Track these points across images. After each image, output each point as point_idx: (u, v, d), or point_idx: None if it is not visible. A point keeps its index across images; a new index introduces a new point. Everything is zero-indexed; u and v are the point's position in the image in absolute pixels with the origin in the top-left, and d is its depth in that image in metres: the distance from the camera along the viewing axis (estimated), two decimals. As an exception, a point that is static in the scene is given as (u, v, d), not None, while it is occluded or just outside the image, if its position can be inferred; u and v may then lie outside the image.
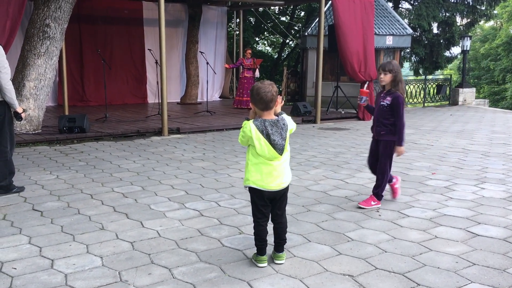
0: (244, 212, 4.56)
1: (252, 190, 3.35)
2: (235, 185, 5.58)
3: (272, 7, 20.53)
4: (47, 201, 4.91)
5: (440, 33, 19.85)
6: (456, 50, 21.36)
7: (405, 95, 4.63)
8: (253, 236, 3.42)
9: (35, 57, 8.39)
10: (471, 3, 19.44)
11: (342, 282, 3.14)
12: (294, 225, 4.17)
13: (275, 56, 25.83)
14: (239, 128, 3.53)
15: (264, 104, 3.23)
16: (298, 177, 5.89)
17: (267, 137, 3.22)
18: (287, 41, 24.54)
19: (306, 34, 14.96)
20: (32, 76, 8.40)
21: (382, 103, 4.55)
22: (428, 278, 3.20)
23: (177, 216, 4.46)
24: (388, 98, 4.50)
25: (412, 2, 20.98)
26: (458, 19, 20.33)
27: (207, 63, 11.96)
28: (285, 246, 3.49)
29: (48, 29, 8.38)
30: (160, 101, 9.58)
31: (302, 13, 23.91)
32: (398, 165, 6.63)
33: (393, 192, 4.95)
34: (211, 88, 15.00)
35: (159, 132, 9.25)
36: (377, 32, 14.21)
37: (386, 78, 4.49)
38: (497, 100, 30.10)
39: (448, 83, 17.06)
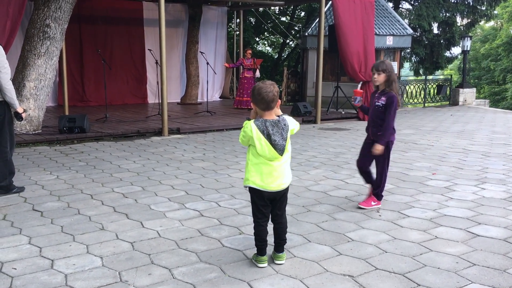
0: (244, 212, 4.56)
1: (252, 190, 3.35)
2: (235, 185, 5.58)
3: (272, 7, 20.53)
4: (47, 201, 4.91)
5: (441, 33, 19.85)
6: (456, 50, 21.37)
7: (399, 95, 4.58)
8: (253, 237, 3.41)
9: (35, 57, 8.39)
10: (471, 3, 19.44)
11: (342, 283, 3.14)
12: (294, 225, 4.17)
13: (275, 56, 25.83)
14: (239, 129, 3.53)
15: (266, 104, 3.23)
16: (298, 177, 5.89)
17: (268, 137, 3.21)
18: (287, 41, 24.55)
19: (306, 34, 14.96)
20: (32, 76, 8.40)
21: (377, 103, 4.51)
22: (428, 279, 3.19)
23: (177, 216, 4.46)
24: (383, 98, 4.46)
25: (412, 2, 20.98)
26: (458, 19, 20.34)
27: (207, 63, 11.96)
28: (285, 247, 3.49)
29: (48, 29, 8.38)
30: (160, 101, 9.58)
31: (302, 13, 23.91)
32: (398, 166, 6.63)
33: (367, 201, 4.72)
34: (211, 88, 15.00)
35: (159, 132, 9.25)
36: (377, 32, 14.21)
37: (380, 78, 4.46)
38: (497, 101, 30.09)
39: (448, 83, 17.06)
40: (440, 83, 16.97)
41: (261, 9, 18.82)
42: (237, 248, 3.69)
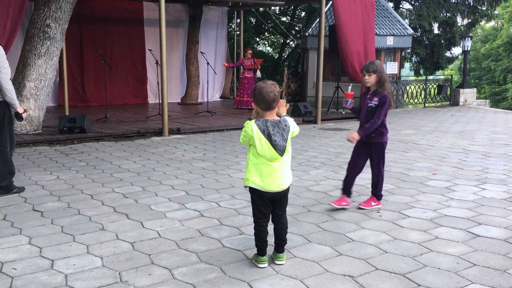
0: (245, 212, 4.56)
1: (252, 190, 3.35)
2: (236, 185, 5.57)
3: (272, 8, 20.53)
4: (47, 201, 4.91)
5: (441, 33, 19.84)
6: (457, 51, 21.37)
7: (391, 95, 4.55)
8: (253, 237, 3.41)
9: (35, 57, 8.39)
10: (472, 3, 19.43)
11: (342, 283, 3.14)
12: (294, 225, 4.17)
13: (276, 57, 25.82)
14: (240, 129, 3.53)
15: (267, 104, 3.23)
16: (298, 178, 5.89)
17: (268, 137, 3.21)
18: (288, 41, 24.55)
19: (307, 34, 14.96)
20: (32, 76, 8.41)
21: (369, 104, 4.47)
22: (428, 279, 3.19)
23: (178, 216, 4.46)
24: (375, 99, 4.43)
25: (412, 2, 20.98)
26: (459, 19, 20.33)
27: (208, 63, 11.96)
28: (285, 247, 3.49)
29: (48, 30, 8.38)
30: (160, 102, 9.58)
31: (303, 14, 23.91)
32: (398, 166, 6.63)
33: (339, 201, 4.64)
34: (211, 88, 15.00)
35: (160, 133, 9.25)
36: (377, 33, 14.20)
37: (371, 79, 4.42)
38: (498, 101, 30.08)
39: (449, 83, 17.04)
40: (441, 83, 16.96)
41: (261, 9, 18.82)
42: (237, 249, 3.69)
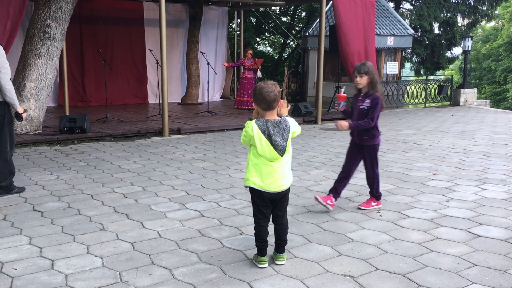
0: (245, 212, 4.55)
1: (253, 191, 3.34)
2: (236, 185, 5.57)
3: (273, 8, 20.53)
4: (47, 201, 4.91)
5: (441, 33, 19.83)
6: (457, 51, 21.36)
7: (383, 96, 4.52)
8: (254, 237, 3.41)
9: (35, 57, 8.39)
10: (472, 3, 19.43)
11: (343, 283, 3.13)
12: (294, 225, 4.16)
13: (276, 57, 25.82)
14: (240, 129, 3.53)
15: (267, 104, 3.23)
16: (299, 178, 5.89)
17: (269, 137, 3.21)
18: (288, 41, 24.54)
19: (307, 34, 14.96)
20: (32, 76, 8.41)
21: (361, 106, 4.44)
22: (429, 279, 3.19)
23: (178, 216, 4.46)
24: (367, 101, 4.40)
25: (413, 2, 20.97)
26: (459, 19, 20.33)
27: (208, 63, 11.96)
28: (285, 247, 3.49)
29: (48, 30, 8.39)
30: (160, 102, 9.58)
31: (303, 14, 23.91)
32: (399, 166, 6.62)
33: (325, 198, 4.56)
34: (212, 88, 15.00)
35: (160, 133, 9.25)
36: (378, 33, 14.20)
37: (362, 80, 4.39)
38: (498, 101, 30.07)
39: (449, 83, 17.04)
40: (441, 83, 16.95)
41: (261, 9, 18.81)
42: (238, 249, 3.69)
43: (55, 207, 4.72)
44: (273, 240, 3.46)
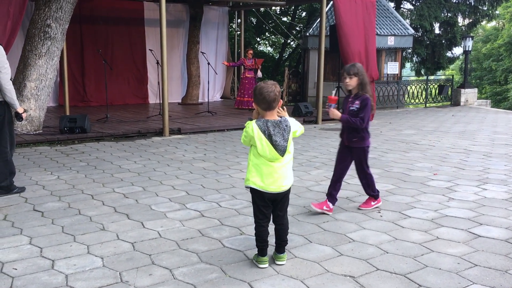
0: (245, 212, 4.55)
1: (253, 191, 3.34)
2: (236, 185, 5.57)
3: (273, 8, 20.53)
4: (48, 201, 4.91)
5: (442, 33, 19.82)
6: (458, 51, 21.35)
7: (371, 97, 4.47)
8: (254, 237, 3.41)
9: (36, 57, 8.39)
10: (473, 3, 19.42)
11: (343, 283, 3.13)
12: (295, 225, 4.16)
13: (277, 57, 25.83)
14: (240, 129, 3.53)
15: (267, 104, 3.23)
16: (299, 178, 5.88)
17: (269, 137, 3.21)
18: (289, 41, 24.54)
19: (308, 34, 14.95)
20: (33, 76, 8.41)
21: (351, 108, 4.40)
22: (429, 279, 3.18)
23: (178, 216, 4.46)
24: (357, 102, 4.37)
25: (413, 2, 20.97)
26: (460, 19, 20.32)
27: (208, 63, 11.95)
28: (286, 247, 3.48)
29: (49, 30, 8.39)
30: (161, 102, 9.58)
31: (304, 14, 23.91)
32: (399, 166, 6.62)
33: (321, 204, 4.52)
34: (212, 88, 15.00)
35: (160, 133, 9.25)
36: (378, 33, 14.19)
37: (352, 82, 4.36)
38: (499, 101, 30.06)
39: (450, 83, 17.03)
40: (442, 83, 16.95)
41: (262, 9, 18.81)
42: (238, 249, 3.69)
43: (55, 207, 4.72)
44: (274, 240, 3.45)
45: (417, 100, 16.36)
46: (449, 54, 20.82)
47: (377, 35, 12.97)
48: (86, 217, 4.42)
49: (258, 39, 24.20)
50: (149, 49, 12.07)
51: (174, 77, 14.59)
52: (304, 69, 16.15)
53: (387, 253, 3.62)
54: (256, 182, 3.28)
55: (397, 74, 15.71)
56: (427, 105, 16.38)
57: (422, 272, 3.29)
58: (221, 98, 15.88)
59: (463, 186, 5.56)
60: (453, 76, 18.58)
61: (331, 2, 11.95)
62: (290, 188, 3.40)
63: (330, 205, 4.55)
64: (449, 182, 5.77)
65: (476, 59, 33.05)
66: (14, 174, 5.19)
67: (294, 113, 11.49)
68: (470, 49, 16.55)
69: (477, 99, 17.35)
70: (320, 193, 5.26)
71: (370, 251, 3.66)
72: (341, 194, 5.20)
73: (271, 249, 3.49)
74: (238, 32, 16.30)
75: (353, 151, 4.52)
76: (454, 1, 19.49)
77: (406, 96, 15.93)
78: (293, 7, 22.50)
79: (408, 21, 18.64)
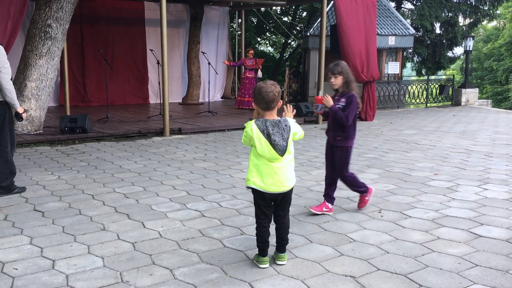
0: (246, 212, 4.55)
1: (254, 191, 3.34)
2: (237, 185, 5.57)
3: (274, 7, 20.52)
4: (48, 201, 4.91)
5: (443, 33, 19.80)
6: (458, 50, 21.33)
7: (358, 95, 4.42)
8: (255, 237, 3.40)
9: (36, 57, 8.39)
10: (474, 3, 19.39)
11: (344, 283, 3.13)
12: (295, 225, 4.16)
13: (277, 57, 25.82)
14: (241, 129, 3.53)
15: (265, 104, 3.23)
16: (300, 178, 5.88)
17: (268, 137, 3.20)
18: (289, 41, 24.53)
19: (308, 34, 14.94)
20: (33, 76, 8.41)
21: (337, 105, 4.36)
22: (430, 279, 3.18)
23: (179, 216, 4.45)
24: (343, 100, 4.34)
25: (414, 2, 20.95)
26: (460, 19, 20.29)
27: (209, 63, 11.95)
28: (286, 247, 3.48)
29: (49, 29, 8.39)
30: (161, 102, 9.57)
31: (304, 13, 23.89)
32: (400, 166, 6.61)
33: (320, 207, 4.53)
34: (212, 88, 15.00)
35: (161, 133, 9.25)
36: (379, 32, 14.18)
37: (337, 81, 4.34)
38: (500, 100, 30.03)
39: (450, 83, 17.02)
40: (443, 83, 16.93)
41: (262, 9, 18.80)
42: (239, 249, 3.68)
43: (56, 207, 4.72)
44: (274, 240, 3.45)
45: (418, 100, 16.35)
46: (450, 54, 20.79)
47: (377, 35, 12.96)
48: (86, 217, 4.41)
49: (258, 39, 24.20)
50: (150, 49, 12.07)
51: (175, 77, 14.59)
52: (304, 69, 16.14)
53: (388, 253, 3.62)
54: (256, 182, 3.28)
55: (398, 74, 15.70)
56: (428, 105, 16.37)
57: (423, 272, 3.29)
58: (221, 98, 15.87)
59: (464, 186, 5.55)
60: (454, 76, 18.56)
61: (332, 2, 11.94)
62: (292, 189, 3.40)
63: (329, 205, 4.53)
64: (450, 182, 5.76)
65: (477, 59, 33.02)
66: (14, 174, 5.19)
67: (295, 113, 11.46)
68: (471, 49, 16.53)
69: (478, 99, 17.33)
70: (321, 193, 5.24)
71: (371, 251, 3.65)
72: (341, 194, 5.21)
73: (271, 250, 3.48)
74: (239, 32, 16.30)
75: (335, 149, 4.45)
76: (455, 1, 19.47)
77: (407, 96, 15.92)
78: (293, 7, 22.50)
79: (408, 21, 18.62)
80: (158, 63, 10.67)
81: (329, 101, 4.34)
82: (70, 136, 8.48)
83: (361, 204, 4.66)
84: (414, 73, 22.77)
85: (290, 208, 3.52)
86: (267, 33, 24.94)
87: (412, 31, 15.50)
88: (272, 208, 3.38)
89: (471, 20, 20.17)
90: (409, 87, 16.13)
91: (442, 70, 22.58)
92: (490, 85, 31.98)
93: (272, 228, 3.44)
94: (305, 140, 8.80)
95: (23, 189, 5.24)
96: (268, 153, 3.22)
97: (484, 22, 25.84)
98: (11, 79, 4.97)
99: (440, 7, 18.72)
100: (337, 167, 4.49)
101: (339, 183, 4.61)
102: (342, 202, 4.92)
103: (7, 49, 6.58)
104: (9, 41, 7.64)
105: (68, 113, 9.68)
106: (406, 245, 3.77)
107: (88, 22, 13.24)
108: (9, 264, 3.40)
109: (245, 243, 3.80)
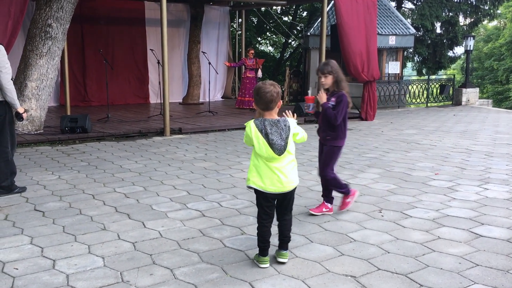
0: (246, 212, 4.55)
1: (256, 191, 3.34)
2: (237, 185, 5.56)
3: (274, 7, 20.52)
4: (49, 201, 4.91)
5: (443, 33, 19.80)
6: (459, 50, 21.34)
7: (349, 94, 4.38)
8: (255, 237, 3.40)
9: (37, 57, 8.39)
10: (474, 2, 19.39)
11: (344, 283, 3.12)
12: (296, 225, 4.15)
13: (278, 56, 25.82)
14: (241, 129, 3.54)
15: (264, 104, 3.23)
16: (300, 178, 5.82)
17: (266, 136, 3.20)
18: (290, 41, 24.53)
19: (309, 34, 14.94)
20: (34, 76, 8.41)
21: (327, 105, 4.34)
22: (431, 279, 3.18)
23: (179, 216, 4.45)
24: (333, 99, 4.31)
25: (415, 1, 20.94)
26: (461, 18, 20.30)
27: (209, 63, 11.95)
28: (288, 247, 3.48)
29: (50, 29, 8.39)
30: (162, 101, 9.57)
31: (305, 13, 23.89)
32: (401, 166, 6.61)
33: (319, 208, 4.50)
34: (213, 88, 15.00)
35: (161, 132, 9.25)
36: (380, 32, 14.18)
37: (327, 80, 4.31)
38: (500, 100, 30.01)
39: (451, 83, 17.01)
40: (443, 83, 16.93)
41: (263, 9, 18.81)
42: (239, 249, 3.68)
43: (56, 207, 4.72)
44: (275, 240, 3.45)
45: (418, 100, 16.34)
46: (450, 53, 20.80)
47: (378, 34, 12.96)
48: (87, 217, 4.41)
49: (259, 38, 24.20)
50: (150, 49, 12.07)
51: (175, 77, 14.59)
52: (305, 68, 16.14)
53: (388, 253, 3.62)
54: (256, 182, 3.28)
55: (398, 73, 15.70)
56: (429, 104, 16.36)
57: (424, 272, 3.29)
58: (222, 98, 15.87)
59: (464, 186, 5.55)
60: (454, 75, 18.55)
61: (332, 1, 11.95)
62: (294, 190, 3.39)
63: (329, 205, 4.52)
64: (450, 182, 5.76)
65: (478, 59, 32.99)
66: (15, 174, 5.19)
67: (295, 113, 11.44)
68: (471, 48, 16.53)
69: (479, 98, 17.32)
70: (321, 192, 5.24)
71: (371, 251, 3.65)
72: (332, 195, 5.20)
73: (272, 250, 3.48)
74: (239, 32, 16.30)
75: (324, 149, 4.42)
76: (455, 0, 19.47)
77: (408, 95, 15.91)
78: (294, 7, 22.49)
79: (409, 20, 18.62)
80: (158, 63, 10.68)
81: (322, 97, 4.31)
82: (71, 136, 8.49)
83: (342, 206, 4.54)
84: (414, 72, 22.77)
85: (291, 208, 3.52)
86: (268, 33, 24.95)
87: (413, 30, 15.50)
88: (274, 208, 3.38)
89: (472, 19, 20.17)
90: (410, 87, 16.13)
91: (442, 70, 22.58)
92: (491, 84, 31.96)
93: (274, 228, 3.43)
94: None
95: (23, 189, 5.24)
96: (265, 152, 3.22)
97: (485, 22, 25.82)
98: (11, 79, 4.97)
99: (441, 6, 18.72)
100: (322, 164, 4.44)
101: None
102: (342, 202, 4.91)
103: (7, 49, 6.58)
104: (10, 41, 7.64)
105: (69, 113, 9.69)
106: (406, 245, 3.76)
107: (89, 22, 13.24)
108: (10, 264, 3.40)
109: (246, 243, 3.79)
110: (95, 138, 8.64)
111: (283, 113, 3.43)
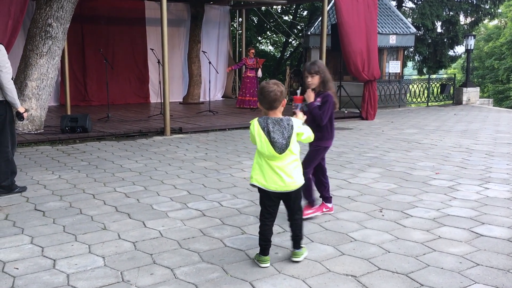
0: (247, 212, 4.55)
1: (259, 189, 3.35)
2: (238, 185, 5.56)
3: (274, 6, 20.51)
4: (49, 201, 4.91)
5: (444, 32, 19.79)
6: (460, 49, 21.31)
7: (335, 94, 4.34)
8: (256, 236, 3.40)
9: (37, 57, 8.39)
10: (475, 2, 19.38)
11: (345, 283, 3.12)
12: (296, 225, 4.15)
13: (278, 56, 25.81)
14: (242, 128, 3.54)
15: (267, 103, 3.23)
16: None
17: (268, 134, 3.20)
18: (290, 40, 24.52)
19: (309, 33, 14.93)
20: (34, 76, 8.41)
21: (314, 104, 4.29)
22: (431, 279, 3.17)
23: (179, 216, 4.45)
24: (318, 99, 4.28)
25: (415, 1, 20.92)
26: (462, 18, 20.29)
27: (210, 62, 11.95)
28: (288, 247, 3.47)
29: (50, 29, 8.39)
30: (162, 101, 9.57)
31: (305, 12, 23.88)
32: (401, 165, 6.61)
33: (319, 208, 4.42)
34: (213, 87, 14.99)
35: (161, 132, 9.25)
36: (380, 31, 14.16)
37: (314, 80, 4.27)
38: (501, 99, 29.98)
39: (452, 82, 17.00)
40: (444, 82, 16.92)
41: (263, 8, 18.80)
42: (239, 248, 3.68)
43: (56, 206, 4.72)
44: (276, 240, 3.45)
45: (419, 99, 16.33)
46: (451, 53, 20.78)
47: (378, 33, 12.94)
48: (87, 217, 4.41)
49: (259, 38, 24.19)
50: (150, 48, 12.07)
51: (175, 76, 14.59)
52: (305, 68, 16.11)
53: (389, 252, 3.61)
54: (259, 180, 3.29)
55: (399, 73, 15.69)
56: (429, 104, 16.35)
57: (424, 272, 3.28)
58: (222, 97, 15.87)
59: (465, 185, 5.55)
60: (455, 75, 18.54)
61: (333, 1, 11.93)
62: (299, 189, 3.38)
63: (328, 205, 4.51)
64: (451, 181, 5.75)
65: (478, 58, 32.98)
66: (15, 174, 5.19)
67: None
68: (472, 47, 16.51)
69: (479, 98, 17.31)
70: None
71: (372, 250, 3.65)
72: (342, 193, 5.21)
73: (273, 249, 3.48)
74: (240, 31, 16.29)
75: (310, 147, 4.37)
76: (456, -1, 19.47)
77: (408, 95, 15.90)
78: (294, 6, 22.48)
79: (410, 19, 18.60)
80: (158, 62, 10.67)
81: (310, 96, 4.26)
82: (71, 136, 8.49)
83: (312, 210, 4.39)
84: (415, 72, 22.78)
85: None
86: (268, 32, 24.94)
87: (413, 30, 15.49)
88: (277, 207, 3.38)
89: (472, 19, 20.16)
90: (410, 86, 16.12)
91: (443, 69, 22.57)
92: (492, 84, 31.94)
93: (275, 228, 3.43)
94: (306, 139, 8.78)
95: (24, 189, 5.24)
96: (267, 150, 3.22)
97: (485, 21, 25.79)
98: (11, 79, 4.97)
99: (441, 5, 18.71)
100: (303, 162, 4.30)
101: (337, 183, 4.59)
102: (343, 201, 4.91)
103: (7, 49, 6.59)
104: (10, 40, 7.64)
105: (69, 113, 9.69)
106: (407, 244, 3.76)
107: (89, 21, 13.24)
108: (10, 264, 3.40)
109: (246, 242, 3.79)
110: (95, 138, 8.64)
111: (295, 113, 3.42)
